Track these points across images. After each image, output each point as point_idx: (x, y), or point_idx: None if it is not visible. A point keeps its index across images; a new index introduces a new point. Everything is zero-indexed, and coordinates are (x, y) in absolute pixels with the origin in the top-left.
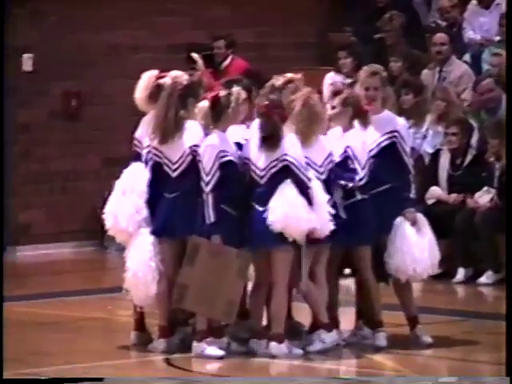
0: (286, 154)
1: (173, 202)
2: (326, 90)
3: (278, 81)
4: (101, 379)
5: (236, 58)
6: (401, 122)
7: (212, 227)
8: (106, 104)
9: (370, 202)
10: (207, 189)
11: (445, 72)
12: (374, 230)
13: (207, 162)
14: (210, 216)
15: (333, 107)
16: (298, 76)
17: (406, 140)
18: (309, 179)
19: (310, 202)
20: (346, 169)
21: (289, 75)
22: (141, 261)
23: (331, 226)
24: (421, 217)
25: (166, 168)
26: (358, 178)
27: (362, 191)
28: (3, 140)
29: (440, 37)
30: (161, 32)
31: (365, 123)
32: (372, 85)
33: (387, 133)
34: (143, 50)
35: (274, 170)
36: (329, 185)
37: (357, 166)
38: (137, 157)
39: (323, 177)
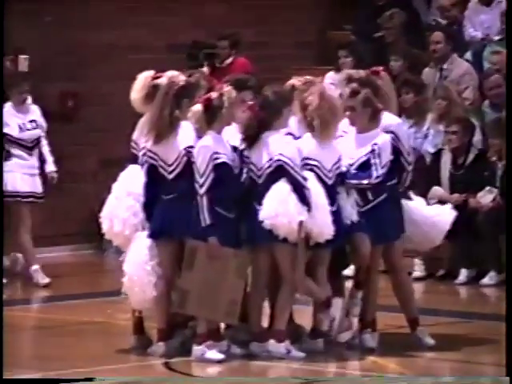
0: (280, 154)
1: (169, 204)
2: None
3: (298, 81)
4: (91, 379)
5: (238, 56)
6: (395, 122)
7: (208, 229)
8: (103, 105)
9: (388, 202)
10: (201, 191)
11: (446, 70)
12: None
13: (201, 164)
14: (206, 218)
15: (351, 108)
16: (319, 78)
17: (402, 140)
18: (304, 178)
19: (304, 201)
20: (368, 167)
21: (309, 77)
22: (136, 264)
23: (331, 230)
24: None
25: (161, 170)
26: (375, 175)
27: (375, 191)
28: (2, 142)
29: (435, 35)
30: (159, 31)
31: (379, 123)
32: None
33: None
34: (142, 50)
35: (269, 170)
36: (335, 190)
37: (377, 164)
38: (134, 159)
39: (331, 182)
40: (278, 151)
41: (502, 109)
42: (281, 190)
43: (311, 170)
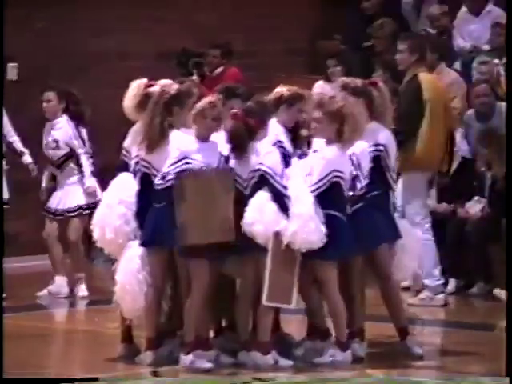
0: (260, 164)
1: (161, 212)
2: None
3: (305, 91)
4: (96, 379)
5: (229, 65)
6: (387, 137)
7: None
8: (93, 113)
9: (365, 210)
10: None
11: None
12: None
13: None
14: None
15: (317, 119)
16: (306, 90)
17: (391, 156)
18: (284, 187)
19: (284, 210)
20: (352, 179)
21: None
22: (128, 273)
23: (320, 238)
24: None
25: (154, 178)
26: (359, 186)
27: (357, 201)
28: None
29: None
30: (149, 39)
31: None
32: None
33: (372, 145)
34: (131, 58)
35: (253, 181)
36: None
37: (360, 175)
38: (124, 166)
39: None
40: (260, 161)
41: (488, 118)
42: (259, 198)
43: (337, 182)
